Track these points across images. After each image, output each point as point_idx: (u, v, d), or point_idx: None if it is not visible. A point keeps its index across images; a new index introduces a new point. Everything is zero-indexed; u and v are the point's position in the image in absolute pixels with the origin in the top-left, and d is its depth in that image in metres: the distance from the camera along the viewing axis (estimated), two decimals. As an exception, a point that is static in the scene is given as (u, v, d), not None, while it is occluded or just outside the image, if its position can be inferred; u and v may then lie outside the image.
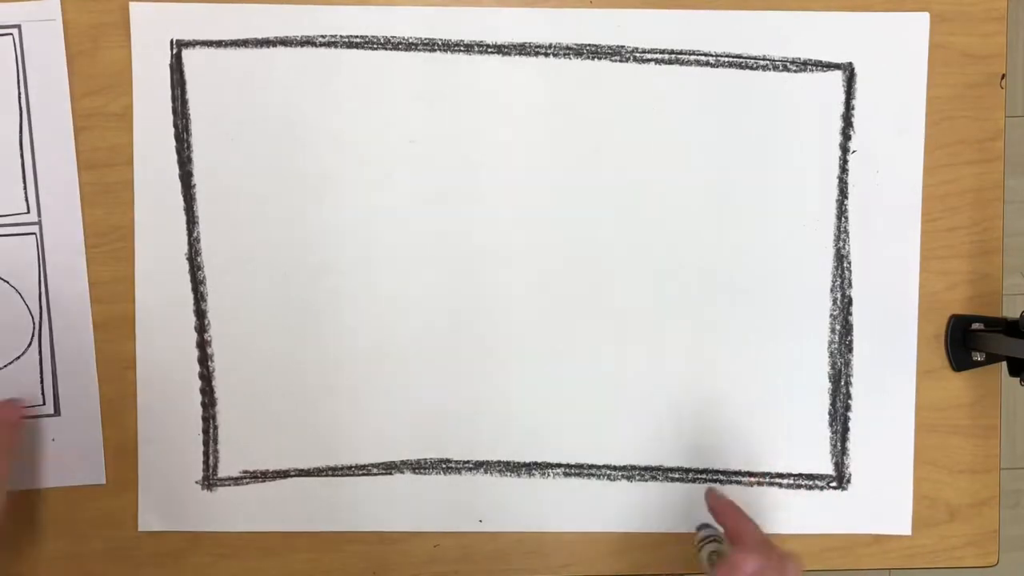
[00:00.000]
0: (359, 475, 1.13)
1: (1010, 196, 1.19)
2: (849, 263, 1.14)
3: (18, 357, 1.12)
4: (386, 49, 1.11)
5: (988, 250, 1.18)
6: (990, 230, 1.18)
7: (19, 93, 1.11)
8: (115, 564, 1.14)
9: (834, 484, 1.17)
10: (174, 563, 1.14)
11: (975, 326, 1.15)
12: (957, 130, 1.17)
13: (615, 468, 1.15)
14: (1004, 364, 1.14)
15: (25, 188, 1.11)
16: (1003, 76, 1.17)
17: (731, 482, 1.16)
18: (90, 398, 1.12)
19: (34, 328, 1.11)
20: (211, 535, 1.14)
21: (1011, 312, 1.14)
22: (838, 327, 1.14)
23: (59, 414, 1.12)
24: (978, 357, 1.15)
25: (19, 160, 1.11)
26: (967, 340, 1.15)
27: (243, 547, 1.15)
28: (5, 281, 1.11)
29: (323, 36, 1.11)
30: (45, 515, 1.13)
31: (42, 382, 1.12)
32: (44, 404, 1.12)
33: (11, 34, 1.10)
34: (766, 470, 1.16)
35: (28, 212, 1.11)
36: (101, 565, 1.15)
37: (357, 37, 1.11)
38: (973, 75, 1.17)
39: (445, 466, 1.13)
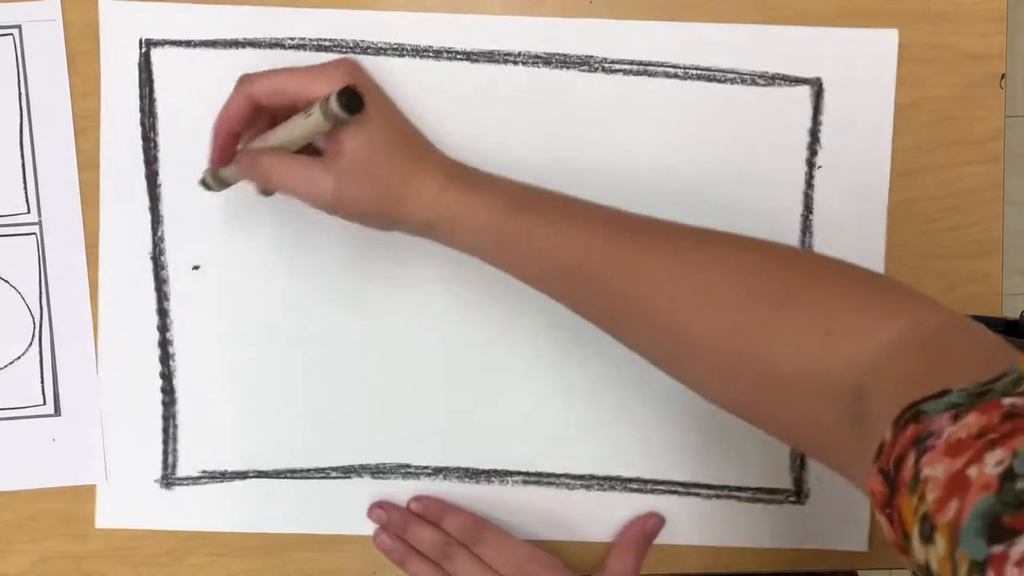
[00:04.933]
0: (318, 478, 1.12)
1: (1010, 196, 1.18)
2: (814, 278, 1.12)
3: (18, 357, 1.13)
4: (355, 53, 1.11)
5: (988, 250, 1.16)
6: (990, 230, 1.16)
7: (19, 93, 1.12)
8: (115, 564, 1.15)
9: (792, 499, 1.15)
10: (174, 563, 1.15)
11: (975, 326, 1.13)
12: (957, 130, 1.14)
13: (573, 477, 1.14)
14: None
15: (25, 188, 1.12)
16: (1003, 76, 1.14)
17: (689, 494, 1.15)
18: (91, 398, 1.12)
19: (34, 328, 1.12)
20: (211, 535, 1.15)
21: (1011, 312, 1.11)
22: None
23: (59, 414, 1.12)
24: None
25: (19, 160, 1.12)
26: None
27: (242, 547, 1.15)
28: (5, 281, 1.12)
29: (292, 39, 1.10)
30: (45, 514, 1.14)
31: (42, 382, 1.13)
32: (44, 404, 1.13)
33: (11, 34, 1.11)
34: (725, 483, 1.15)
35: (28, 212, 1.12)
36: (101, 565, 1.15)
37: (326, 40, 1.10)
38: (973, 75, 1.14)
39: (404, 471, 1.13)
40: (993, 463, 0.54)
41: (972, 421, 0.58)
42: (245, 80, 0.97)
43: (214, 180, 1.04)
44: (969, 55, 1.14)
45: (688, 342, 0.87)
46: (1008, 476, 0.52)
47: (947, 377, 0.65)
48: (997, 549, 0.51)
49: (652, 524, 1.13)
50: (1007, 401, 0.58)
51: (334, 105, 0.90)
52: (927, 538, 0.57)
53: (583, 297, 0.94)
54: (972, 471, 0.55)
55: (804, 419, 0.82)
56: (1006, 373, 0.61)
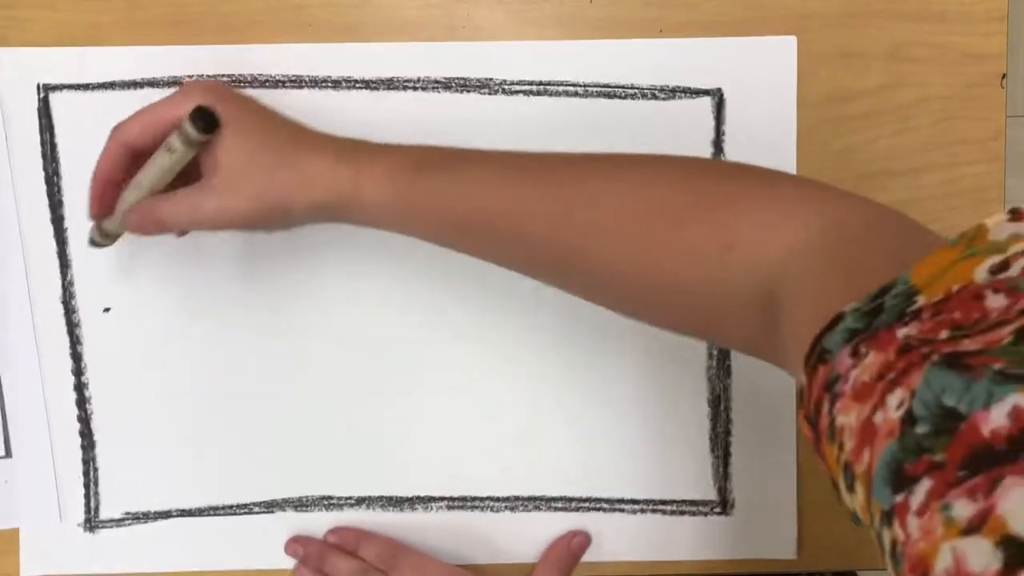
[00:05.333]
0: (241, 514, 1.13)
1: (1011, 196, 1.13)
2: (723, 287, 1.11)
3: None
4: (254, 87, 1.08)
5: None
6: None
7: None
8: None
9: (718, 510, 1.13)
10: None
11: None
12: (957, 130, 1.13)
13: (497, 499, 1.13)
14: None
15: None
16: (1004, 76, 1.12)
17: (614, 510, 1.13)
18: (41, 439, 1.12)
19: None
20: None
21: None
22: (715, 351, 1.11)
23: (10, 456, 1.13)
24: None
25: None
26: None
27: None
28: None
29: (189, 76, 1.08)
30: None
31: (-8, 425, 1.13)
32: (-5, 446, 1.13)
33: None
34: (649, 497, 1.13)
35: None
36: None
37: (224, 76, 1.08)
38: (973, 75, 1.13)
39: (327, 503, 1.12)
40: (895, 406, 0.53)
41: (871, 360, 0.57)
42: (117, 128, 0.96)
43: (101, 236, 1.03)
44: (970, 55, 1.13)
45: (601, 268, 0.86)
46: (908, 420, 0.51)
47: (863, 278, 0.64)
48: (899, 498, 0.50)
49: (577, 542, 1.13)
50: (901, 333, 0.56)
51: (189, 129, 0.90)
52: (850, 487, 0.57)
53: (499, 247, 0.93)
54: (878, 417, 0.54)
55: (727, 331, 0.84)
56: (896, 282, 0.60)
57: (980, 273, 0.56)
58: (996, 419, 0.47)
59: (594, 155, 0.91)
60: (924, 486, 0.49)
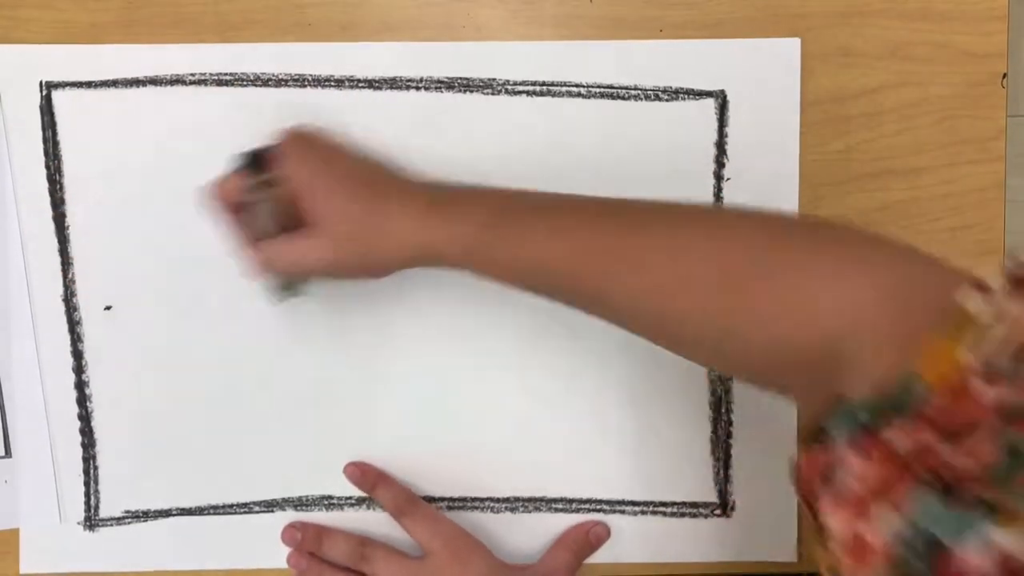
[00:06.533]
0: (241, 513, 1.13)
1: (1012, 196, 1.16)
2: (726, 290, 1.10)
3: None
4: (256, 86, 1.08)
5: (990, 250, 1.15)
6: (992, 230, 1.15)
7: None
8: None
9: (718, 512, 1.14)
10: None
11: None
12: (958, 130, 1.14)
13: (497, 500, 1.13)
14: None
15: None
16: (1005, 75, 1.13)
17: (614, 511, 1.14)
18: (41, 439, 1.12)
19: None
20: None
21: (1013, 311, 1.11)
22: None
23: (10, 456, 1.13)
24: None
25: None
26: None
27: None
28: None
29: (192, 75, 1.08)
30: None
31: (-9, 425, 1.13)
32: (-5, 446, 1.14)
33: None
34: (649, 498, 1.14)
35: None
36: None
37: (227, 75, 1.08)
38: (975, 74, 1.13)
39: (327, 502, 1.12)
40: (887, 526, 0.54)
41: (862, 470, 0.58)
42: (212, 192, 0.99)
43: (285, 290, 1.03)
44: (971, 54, 1.14)
45: (673, 327, 0.89)
46: (899, 545, 0.53)
47: (911, 329, 0.68)
48: None
49: (596, 531, 1.13)
50: (897, 439, 0.58)
51: (248, 178, 0.94)
52: None
53: (571, 301, 0.95)
54: (870, 535, 0.55)
55: (783, 383, 0.86)
56: (910, 380, 0.61)
57: (970, 361, 0.58)
58: (977, 558, 0.49)
59: (657, 207, 0.93)
60: None
